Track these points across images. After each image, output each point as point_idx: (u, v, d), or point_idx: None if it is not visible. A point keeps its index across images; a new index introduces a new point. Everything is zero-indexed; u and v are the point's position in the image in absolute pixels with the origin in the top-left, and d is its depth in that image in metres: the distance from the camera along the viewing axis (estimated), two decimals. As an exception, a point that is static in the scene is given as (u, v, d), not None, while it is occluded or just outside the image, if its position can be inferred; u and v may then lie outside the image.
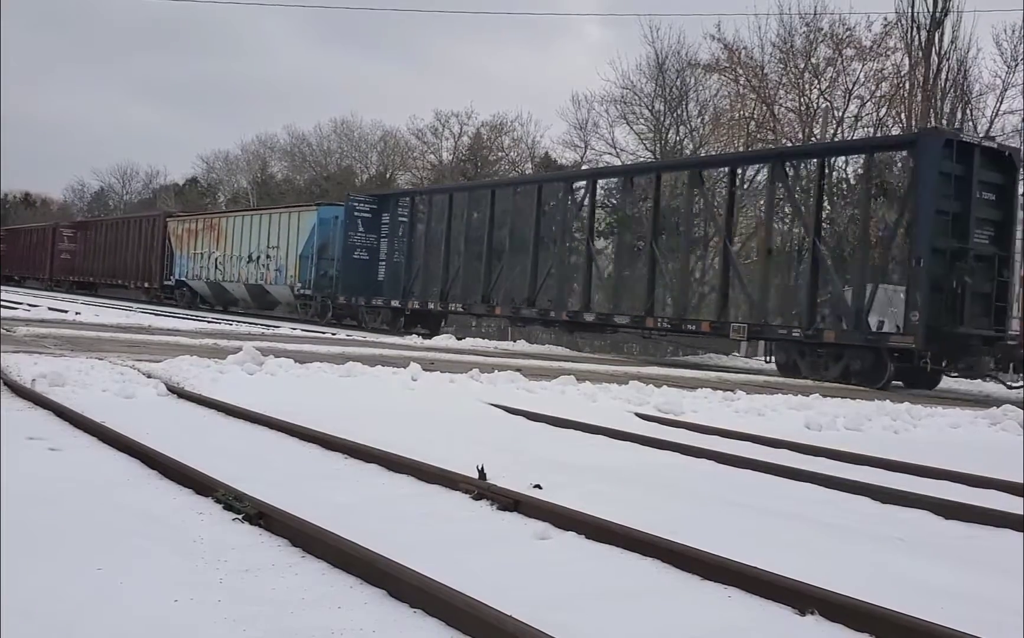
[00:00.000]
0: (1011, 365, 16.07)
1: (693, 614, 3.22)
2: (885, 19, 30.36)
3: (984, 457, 7.58)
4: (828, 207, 19.11)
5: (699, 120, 36.29)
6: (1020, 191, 16.92)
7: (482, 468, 5.05)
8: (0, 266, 55.06)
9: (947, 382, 18.47)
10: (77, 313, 22.11)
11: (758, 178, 23.86)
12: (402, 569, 3.19)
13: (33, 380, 7.77)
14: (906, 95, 29.64)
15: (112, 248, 45.48)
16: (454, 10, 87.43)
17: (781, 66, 32.16)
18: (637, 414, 9.10)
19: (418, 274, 27.64)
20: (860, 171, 19.03)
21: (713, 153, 31.79)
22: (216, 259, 37.01)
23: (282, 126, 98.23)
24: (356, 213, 29.47)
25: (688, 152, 34.67)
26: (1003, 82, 29.11)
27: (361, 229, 29.37)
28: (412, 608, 3.01)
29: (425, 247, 27.64)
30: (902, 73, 30.02)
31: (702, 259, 21.37)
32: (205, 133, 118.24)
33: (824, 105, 31.16)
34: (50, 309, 23.78)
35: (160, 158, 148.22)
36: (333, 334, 21.59)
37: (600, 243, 24.22)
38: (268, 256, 33.57)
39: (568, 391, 10.10)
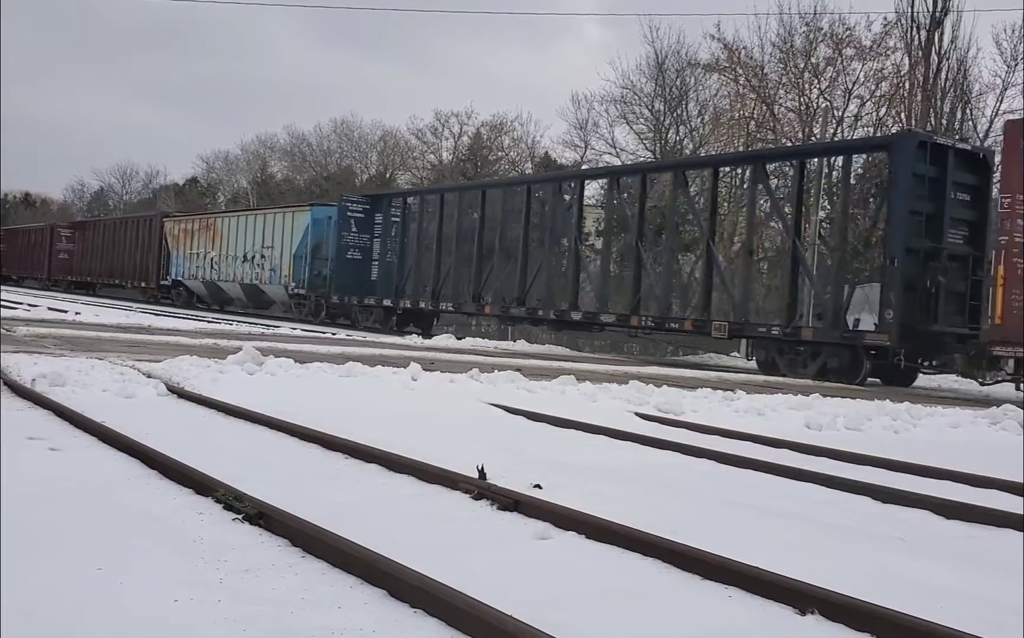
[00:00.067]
0: (983, 362, 16.10)
1: (694, 614, 3.22)
2: (885, 19, 30.38)
3: (984, 457, 7.58)
4: (806, 208, 19.24)
5: (699, 120, 36.26)
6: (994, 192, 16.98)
7: (482, 468, 5.05)
8: (0, 266, 55.16)
9: (949, 381, 18.49)
10: (77, 313, 22.11)
11: (741, 178, 23.98)
12: (402, 569, 3.18)
13: (33, 380, 7.78)
14: (906, 95, 29.63)
15: (109, 248, 45.60)
16: (455, 10, 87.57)
17: (781, 66, 32.13)
18: (637, 414, 9.10)
19: (410, 274, 27.81)
20: (839, 173, 19.18)
21: (712, 153, 31.82)
22: (212, 259, 37.08)
23: (282, 126, 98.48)
24: (349, 213, 29.58)
25: (688, 152, 34.68)
26: (1003, 82, 29.12)
27: (354, 229, 29.47)
28: (412, 608, 3.01)
29: (417, 247, 27.81)
30: (902, 73, 30.02)
31: (686, 258, 21.56)
32: (205, 133, 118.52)
33: (824, 105, 31.13)
34: (50, 309, 23.79)
35: (160, 158, 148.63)
36: (333, 334, 21.60)
37: (588, 243, 24.42)
38: (263, 256, 33.65)
39: (568, 391, 10.10)
